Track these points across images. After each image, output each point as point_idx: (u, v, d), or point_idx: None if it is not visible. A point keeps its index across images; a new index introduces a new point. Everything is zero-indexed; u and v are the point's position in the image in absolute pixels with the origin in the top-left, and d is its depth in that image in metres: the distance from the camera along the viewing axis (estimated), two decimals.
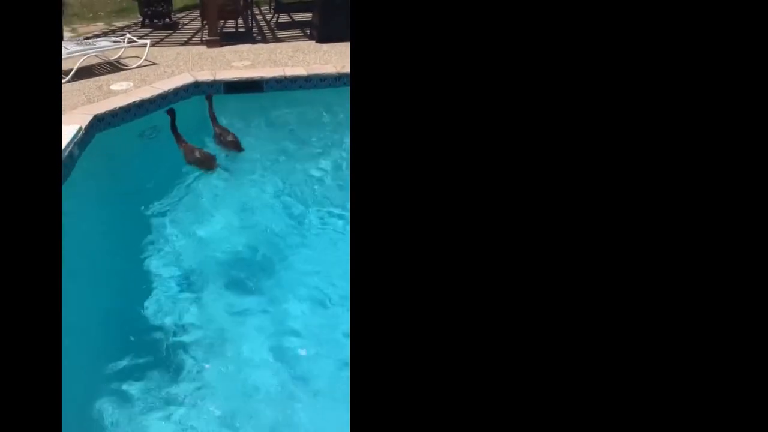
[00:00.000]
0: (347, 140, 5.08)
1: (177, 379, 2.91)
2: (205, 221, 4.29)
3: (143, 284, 3.56)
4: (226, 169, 4.98)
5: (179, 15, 10.63)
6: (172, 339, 3.16)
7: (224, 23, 8.89)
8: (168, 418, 2.71)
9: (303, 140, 5.68)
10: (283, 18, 10.01)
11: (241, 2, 8.99)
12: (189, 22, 10.12)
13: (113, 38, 7.55)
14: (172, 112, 4.87)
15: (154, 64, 7.14)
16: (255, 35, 8.87)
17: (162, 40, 8.68)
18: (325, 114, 6.20)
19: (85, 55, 6.62)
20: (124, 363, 2.97)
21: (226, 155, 5.17)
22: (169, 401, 2.78)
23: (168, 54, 7.66)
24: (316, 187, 4.82)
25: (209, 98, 5.36)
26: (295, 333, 3.24)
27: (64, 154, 4.39)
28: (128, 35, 7.49)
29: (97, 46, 7.04)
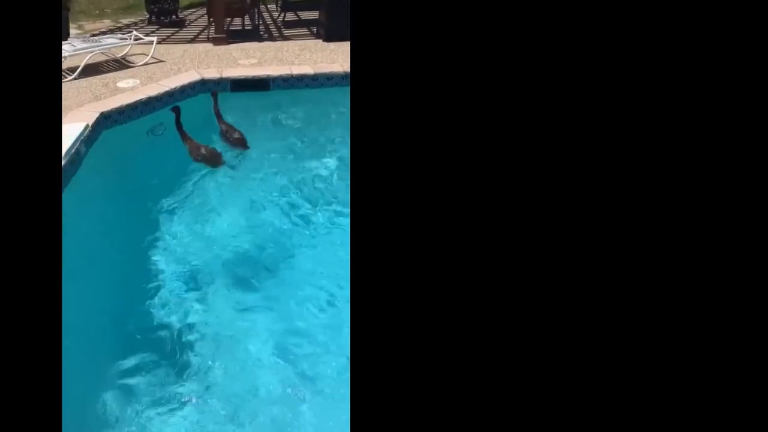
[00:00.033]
0: None
1: (181, 377, 2.91)
2: (211, 219, 4.29)
3: (148, 281, 3.57)
4: (232, 167, 4.98)
5: (186, 12, 10.62)
6: (176, 336, 3.16)
7: (231, 21, 8.87)
8: (172, 415, 2.71)
9: (309, 138, 5.67)
10: (290, 16, 9.99)
11: (248, 0, 8.98)
12: (196, 20, 10.11)
13: (120, 35, 7.55)
14: (176, 110, 4.89)
15: (161, 61, 7.13)
16: (262, 33, 8.86)
17: (168, 37, 8.67)
18: (331, 113, 6.18)
19: (91, 52, 6.62)
20: (127, 359, 2.98)
21: (233, 152, 5.17)
22: (172, 399, 2.79)
23: (174, 51, 7.65)
24: (322, 185, 4.82)
25: (214, 95, 5.37)
26: (300, 332, 3.24)
27: (71, 151, 4.39)
28: (135, 32, 7.50)
29: (104, 43, 7.02)
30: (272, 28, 9.43)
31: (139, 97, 5.66)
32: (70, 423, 1.72)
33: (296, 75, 6.65)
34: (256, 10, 9.31)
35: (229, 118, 5.40)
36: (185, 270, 3.71)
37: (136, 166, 4.97)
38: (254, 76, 6.55)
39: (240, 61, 7.16)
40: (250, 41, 8.26)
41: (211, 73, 6.53)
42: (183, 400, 2.79)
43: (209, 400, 2.79)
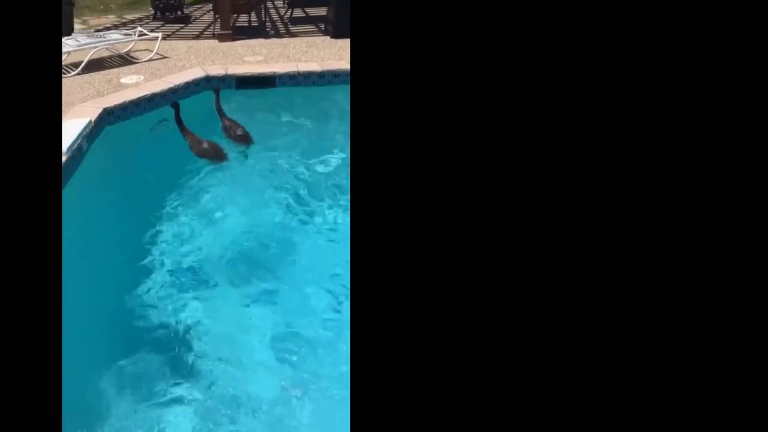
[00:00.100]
0: None
1: (182, 376, 2.89)
2: (214, 215, 4.27)
3: (149, 278, 3.55)
4: (235, 163, 4.94)
5: (191, 8, 10.56)
6: (178, 334, 3.15)
7: (237, 17, 8.79)
8: (172, 414, 2.70)
9: (315, 136, 5.61)
10: (297, 13, 9.93)
11: None
12: (201, 16, 10.04)
13: (124, 31, 7.50)
14: (176, 105, 4.89)
15: (165, 57, 7.05)
16: (268, 30, 8.77)
17: (173, 33, 8.61)
18: (338, 111, 6.09)
19: (95, 47, 6.56)
20: (128, 357, 2.96)
21: (237, 148, 5.12)
22: (173, 398, 2.78)
23: (179, 47, 7.57)
24: (327, 183, 4.77)
25: (216, 92, 5.36)
26: (303, 331, 3.23)
27: (73, 147, 4.33)
28: (139, 28, 7.43)
29: (108, 38, 6.97)
30: (279, 24, 9.35)
31: (143, 93, 5.58)
32: (70, 423, 1.72)
33: (303, 72, 6.54)
34: (262, 7, 9.24)
35: (234, 115, 5.34)
36: (187, 267, 3.70)
37: (138, 163, 4.92)
38: (260, 73, 6.45)
39: (246, 58, 7.07)
40: (257, 38, 8.18)
41: (216, 70, 6.44)
42: (184, 399, 2.77)
43: (210, 400, 2.77)
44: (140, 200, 4.35)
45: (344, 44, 7.74)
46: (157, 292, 3.44)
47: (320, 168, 4.98)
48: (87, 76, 6.21)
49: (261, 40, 8.06)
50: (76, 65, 6.32)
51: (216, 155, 4.86)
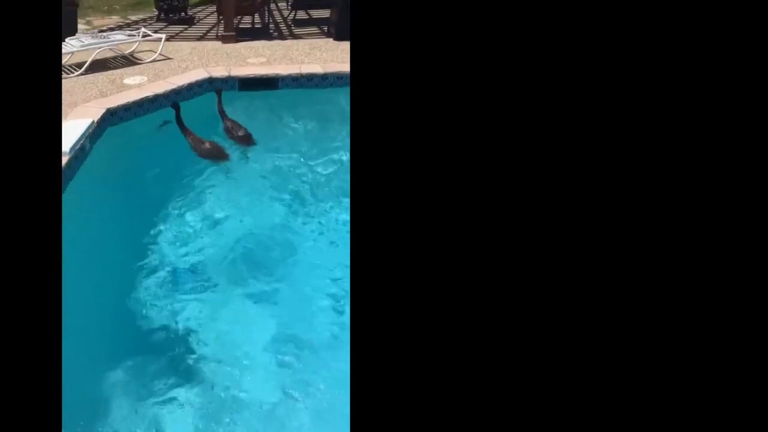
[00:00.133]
0: None
1: (182, 376, 2.89)
2: (215, 216, 4.27)
3: (150, 278, 3.55)
4: (237, 164, 4.94)
5: (195, 10, 10.57)
6: (179, 334, 3.15)
7: (240, 19, 8.80)
8: (172, 414, 2.70)
9: (317, 138, 5.60)
10: (301, 15, 9.93)
11: None
12: (205, 17, 10.06)
13: (128, 32, 7.50)
14: (176, 106, 4.91)
15: (169, 58, 7.07)
16: (271, 32, 8.78)
17: (177, 34, 8.62)
18: (340, 112, 6.09)
19: (99, 48, 6.57)
20: (129, 357, 2.96)
21: (239, 150, 5.13)
22: (173, 398, 2.78)
23: (183, 49, 7.59)
24: (328, 185, 4.77)
25: (218, 93, 5.37)
26: (304, 332, 3.22)
27: (76, 147, 4.34)
28: (143, 29, 7.45)
29: (112, 39, 6.98)
30: (282, 26, 9.36)
31: (146, 94, 5.59)
32: (70, 422, 1.70)
33: (305, 74, 6.55)
34: (266, 9, 9.24)
35: (236, 117, 5.35)
36: (188, 267, 3.70)
37: (141, 163, 4.93)
38: (263, 75, 6.46)
39: (249, 60, 7.08)
40: (260, 39, 8.18)
41: (219, 71, 6.45)
42: (184, 399, 2.77)
43: (210, 400, 2.77)
44: (142, 200, 4.36)
45: (347, 46, 7.74)
46: (158, 292, 3.44)
47: (322, 170, 4.97)
48: (90, 77, 6.23)
49: (264, 42, 8.06)
50: (79, 65, 6.33)
51: (218, 155, 4.88)
